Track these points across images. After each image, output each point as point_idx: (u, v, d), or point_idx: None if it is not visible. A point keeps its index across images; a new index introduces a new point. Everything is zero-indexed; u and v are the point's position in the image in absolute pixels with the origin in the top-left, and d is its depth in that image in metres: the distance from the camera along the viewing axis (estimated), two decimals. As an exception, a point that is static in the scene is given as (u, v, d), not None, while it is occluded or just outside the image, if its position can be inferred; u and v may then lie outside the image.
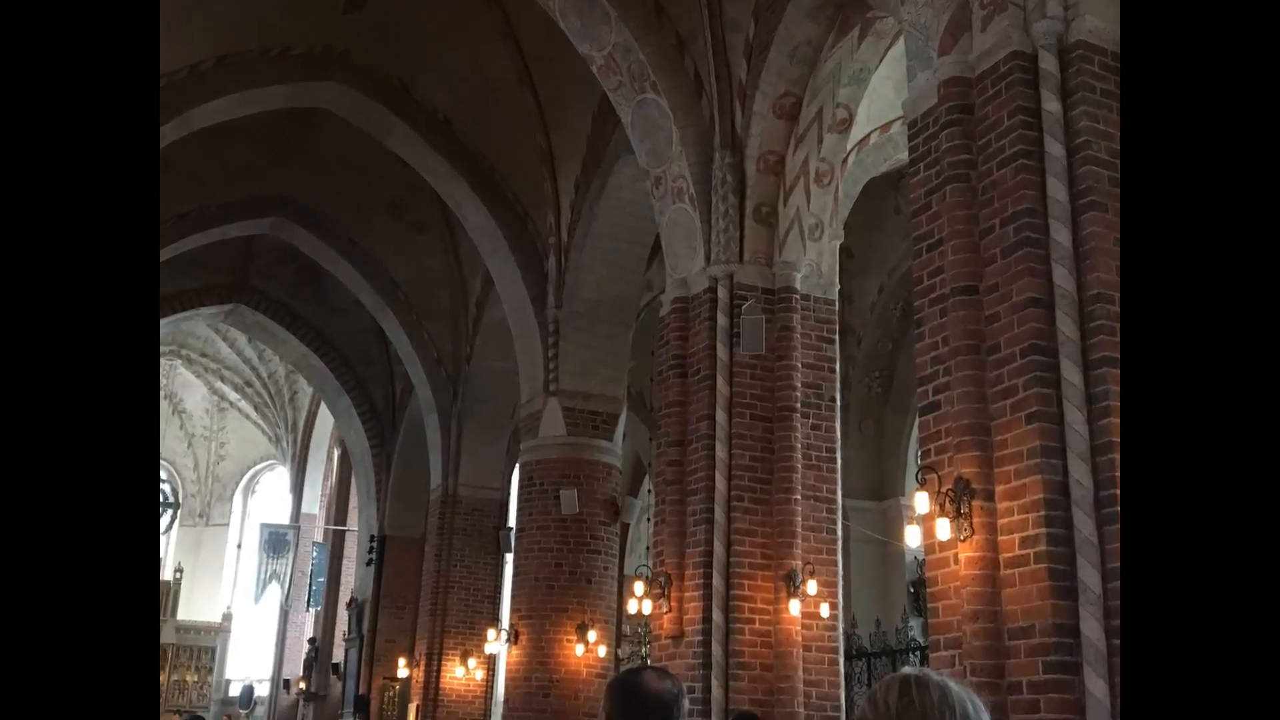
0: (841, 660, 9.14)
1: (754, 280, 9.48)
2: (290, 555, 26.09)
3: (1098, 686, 5.18)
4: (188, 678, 28.79)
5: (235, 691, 28.70)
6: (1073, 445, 5.49)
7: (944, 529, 5.95)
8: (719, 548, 8.82)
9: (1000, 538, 5.69)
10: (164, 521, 28.86)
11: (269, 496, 32.65)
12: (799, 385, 9.24)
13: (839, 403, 9.61)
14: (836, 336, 9.77)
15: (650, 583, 9.56)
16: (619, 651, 15.65)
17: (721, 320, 9.33)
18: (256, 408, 29.10)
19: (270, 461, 31.87)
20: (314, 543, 26.22)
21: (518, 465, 15.00)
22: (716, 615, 8.68)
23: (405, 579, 19.29)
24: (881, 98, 10.16)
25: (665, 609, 9.08)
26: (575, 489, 13.42)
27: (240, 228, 17.54)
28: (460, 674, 16.79)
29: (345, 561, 24.74)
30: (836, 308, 9.83)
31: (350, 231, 17.49)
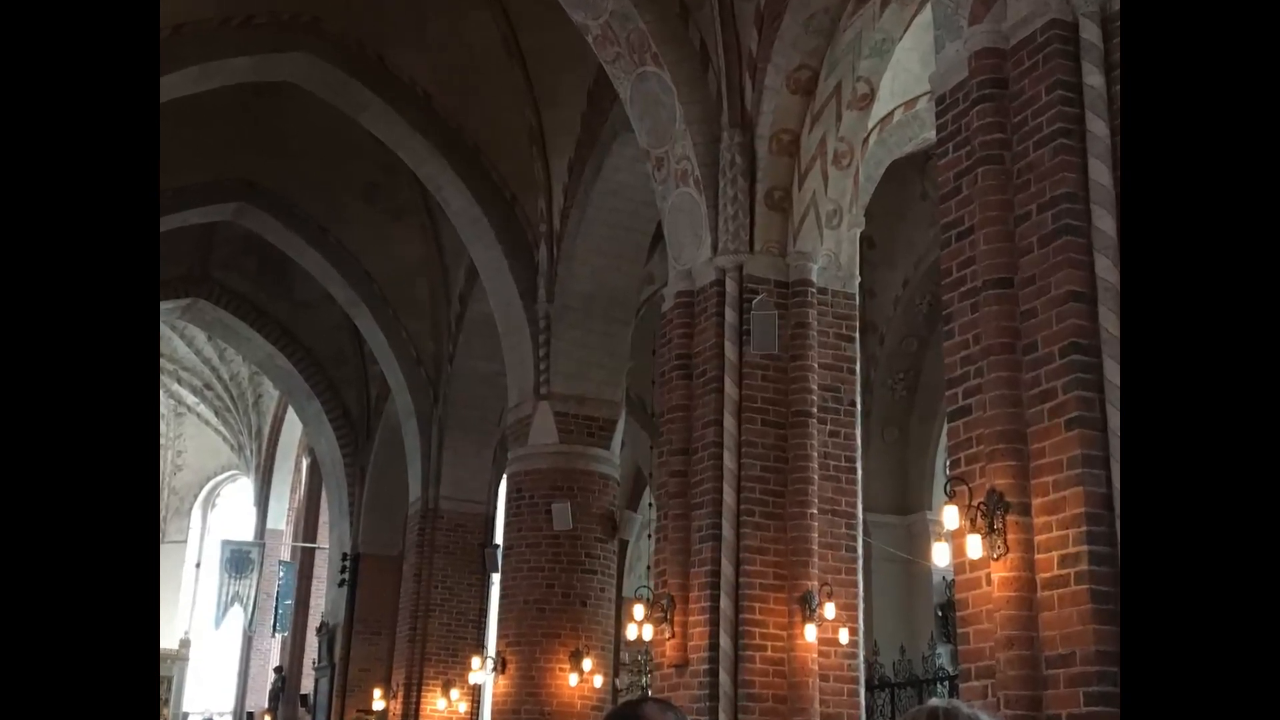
0: (862, 691, 9.15)
1: (766, 272, 9.49)
2: (254, 575, 26.09)
3: (1145, 720, 5.17)
4: (141, 710, 28.77)
5: (194, 725, 28.73)
6: (1117, 453, 5.48)
7: (975, 546, 5.95)
8: (727, 567, 8.82)
9: (1037, 556, 5.69)
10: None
11: (231, 510, 32.67)
12: (815, 388, 9.25)
13: (859, 407, 9.62)
14: (857, 334, 9.78)
15: (651, 606, 9.56)
16: (617, 681, 15.66)
17: (730, 316, 9.34)
18: (217, 413, 29.11)
19: (232, 472, 31.89)
20: (280, 561, 26.22)
21: (505, 476, 15.00)
22: (724, 641, 8.68)
23: (381, 601, 19.29)
24: (906, 71, 10.17)
25: (668, 635, 9.09)
26: (568, 502, 13.42)
27: (200, 214, 17.53)
28: (442, 706, 16.80)
29: (315, 582, 24.76)
30: (857, 302, 9.85)
31: (320, 218, 17.49)
